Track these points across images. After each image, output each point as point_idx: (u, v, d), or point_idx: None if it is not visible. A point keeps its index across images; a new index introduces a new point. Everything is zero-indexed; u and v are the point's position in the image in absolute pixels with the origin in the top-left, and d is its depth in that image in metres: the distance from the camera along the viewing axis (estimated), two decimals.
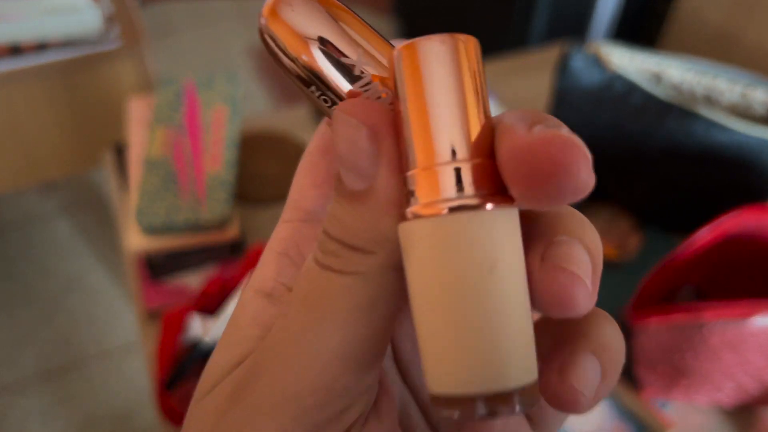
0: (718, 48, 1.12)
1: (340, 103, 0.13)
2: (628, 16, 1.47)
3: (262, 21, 0.14)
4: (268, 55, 0.14)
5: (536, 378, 0.13)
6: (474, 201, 0.12)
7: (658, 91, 0.61)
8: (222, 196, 0.64)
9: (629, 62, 0.65)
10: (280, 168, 0.77)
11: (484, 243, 0.12)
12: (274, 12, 0.14)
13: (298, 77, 0.14)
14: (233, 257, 0.66)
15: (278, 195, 0.73)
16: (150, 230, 0.62)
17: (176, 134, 0.69)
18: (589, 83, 0.64)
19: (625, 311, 0.58)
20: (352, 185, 0.13)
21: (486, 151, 0.13)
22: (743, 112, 0.63)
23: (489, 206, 0.12)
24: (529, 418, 0.17)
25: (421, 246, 0.12)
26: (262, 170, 0.76)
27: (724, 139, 0.59)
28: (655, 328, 0.53)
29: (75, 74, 1.04)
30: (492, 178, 0.13)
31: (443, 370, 0.13)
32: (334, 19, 0.14)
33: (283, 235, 0.16)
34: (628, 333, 0.57)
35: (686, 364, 0.52)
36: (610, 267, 0.66)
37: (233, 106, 0.73)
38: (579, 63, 0.64)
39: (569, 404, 0.13)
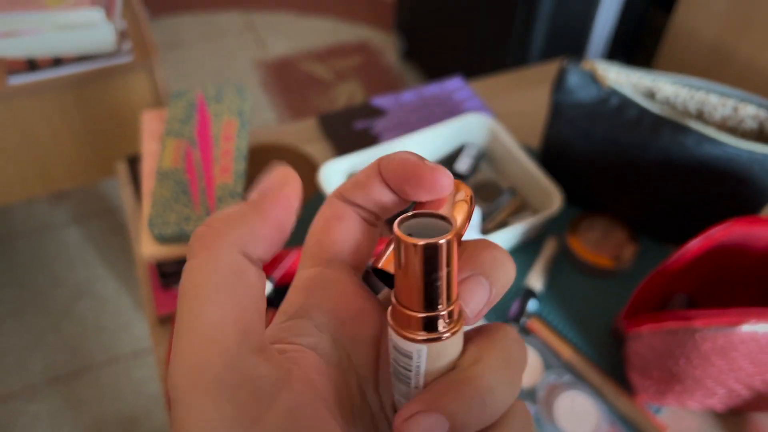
0: (711, 65, 1.14)
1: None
2: (624, 34, 1.49)
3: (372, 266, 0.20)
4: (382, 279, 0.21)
5: None
6: (447, 334, 0.18)
7: (652, 106, 0.63)
8: None
9: (624, 79, 0.67)
10: None
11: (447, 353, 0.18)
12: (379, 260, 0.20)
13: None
14: None
15: None
16: (162, 239, 0.64)
17: (187, 146, 0.72)
18: (585, 98, 0.66)
19: (619, 318, 0.59)
20: None
21: (454, 299, 0.18)
22: (735, 127, 0.65)
23: (451, 334, 0.18)
24: None
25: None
26: None
27: (716, 153, 0.61)
28: (649, 335, 0.54)
29: (89, 87, 1.07)
30: (454, 315, 0.18)
31: None
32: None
33: (305, 276, 0.21)
34: (622, 339, 0.59)
35: (679, 370, 0.53)
36: (606, 276, 0.68)
37: (242, 119, 0.76)
38: (575, 79, 0.66)
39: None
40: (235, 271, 0.17)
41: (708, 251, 0.57)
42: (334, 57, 2.08)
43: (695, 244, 0.56)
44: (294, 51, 2.10)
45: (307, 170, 0.80)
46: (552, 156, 0.75)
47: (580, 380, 0.60)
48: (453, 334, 0.18)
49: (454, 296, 0.18)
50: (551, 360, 0.61)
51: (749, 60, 1.07)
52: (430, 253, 0.17)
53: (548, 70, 0.96)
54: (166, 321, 0.65)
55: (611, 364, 0.62)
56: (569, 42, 1.42)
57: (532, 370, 0.60)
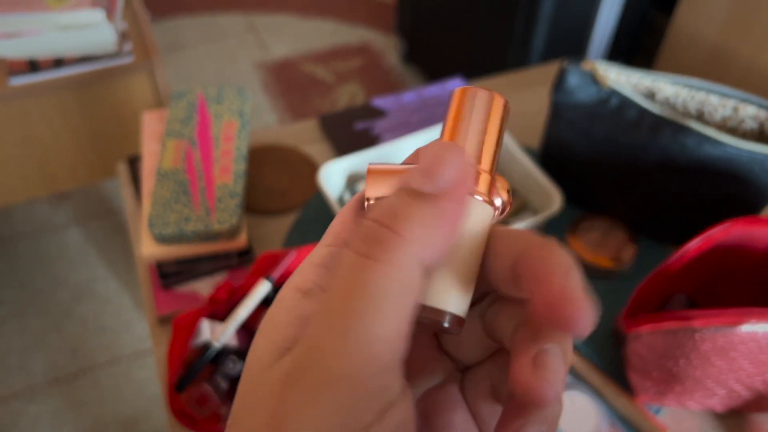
0: (712, 67, 1.14)
1: (447, 141, 0.18)
2: (624, 36, 1.50)
3: None
4: None
5: (464, 316, 0.19)
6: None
7: (652, 107, 0.63)
8: (231, 206, 0.66)
9: (625, 79, 0.67)
10: (286, 180, 0.79)
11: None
12: None
13: None
14: (242, 265, 0.68)
15: (284, 206, 0.76)
16: (161, 239, 0.64)
17: (188, 146, 0.72)
18: (585, 99, 0.66)
19: (619, 319, 0.59)
20: (424, 187, 0.17)
21: (487, 168, 0.20)
22: (735, 127, 0.65)
23: (477, 197, 0.19)
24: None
25: None
26: (268, 182, 0.79)
27: (716, 153, 0.61)
28: (648, 335, 0.54)
29: (90, 88, 1.07)
30: (486, 184, 0.19)
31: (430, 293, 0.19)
32: None
33: (324, 253, 0.20)
34: (622, 340, 0.59)
35: (679, 371, 0.53)
36: (605, 277, 0.68)
37: (242, 119, 0.76)
38: (575, 79, 0.66)
39: (541, 396, 0.16)
40: (410, 288, 0.16)
41: (708, 251, 0.57)
42: (335, 59, 2.09)
43: (695, 245, 0.56)
44: (295, 53, 2.10)
45: (308, 171, 0.80)
46: (552, 157, 0.75)
47: (580, 381, 0.59)
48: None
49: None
50: None
51: (749, 61, 1.07)
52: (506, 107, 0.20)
53: (549, 71, 0.96)
54: (166, 321, 0.65)
55: (611, 364, 0.62)
56: (570, 43, 1.43)
57: None
